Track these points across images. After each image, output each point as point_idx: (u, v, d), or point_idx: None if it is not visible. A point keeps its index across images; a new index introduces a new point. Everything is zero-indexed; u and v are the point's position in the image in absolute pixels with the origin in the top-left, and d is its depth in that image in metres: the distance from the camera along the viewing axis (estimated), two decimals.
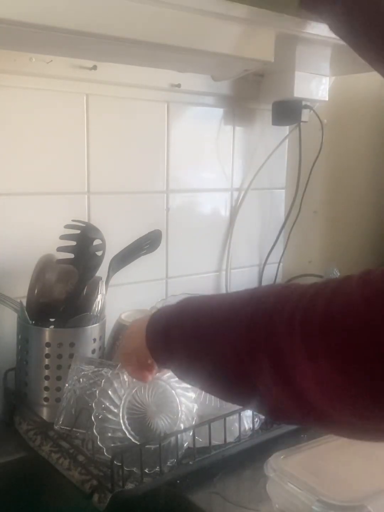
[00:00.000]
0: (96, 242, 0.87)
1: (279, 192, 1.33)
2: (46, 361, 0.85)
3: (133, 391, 0.75)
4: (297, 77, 1.08)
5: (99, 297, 0.89)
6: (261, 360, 0.47)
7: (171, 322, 0.60)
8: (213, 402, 0.82)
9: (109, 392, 0.74)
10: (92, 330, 0.88)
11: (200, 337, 0.55)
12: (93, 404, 0.74)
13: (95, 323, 0.88)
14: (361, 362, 0.39)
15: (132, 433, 0.74)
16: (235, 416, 0.81)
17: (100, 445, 0.73)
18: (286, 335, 0.45)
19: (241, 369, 0.49)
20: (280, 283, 0.52)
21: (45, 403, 0.86)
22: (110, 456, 0.71)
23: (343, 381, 0.41)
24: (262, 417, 0.86)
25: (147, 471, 0.73)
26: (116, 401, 0.74)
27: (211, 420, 0.78)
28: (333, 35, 0.90)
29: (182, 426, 0.78)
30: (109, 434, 0.73)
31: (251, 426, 0.84)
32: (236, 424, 0.82)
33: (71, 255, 0.88)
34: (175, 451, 0.75)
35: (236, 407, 0.82)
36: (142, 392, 0.76)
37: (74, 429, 0.78)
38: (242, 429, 0.82)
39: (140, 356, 0.67)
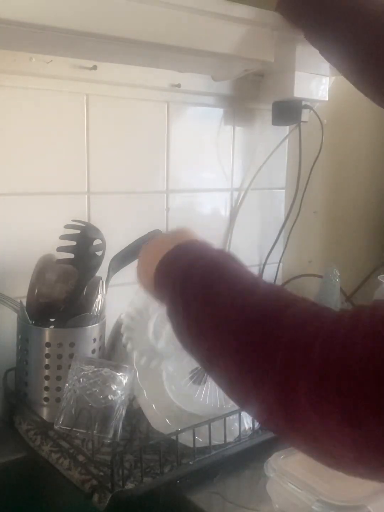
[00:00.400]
0: (96, 242, 0.87)
1: (279, 192, 1.33)
2: (46, 361, 0.85)
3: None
4: (297, 77, 1.08)
5: (99, 297, 0.89)
6: (263, 383, 0.42)
7: (177, 280, 0.55)
8: (213, 402, 0.82)
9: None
10: (92, 330, 0.88)
11: (203, 315, 0.50)
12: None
13: (95, 323, 0.88)
14: None
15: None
16: (235, 416, 0.82)
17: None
18: (297, 374, 0.39)
19: (240, 375, 0.45)
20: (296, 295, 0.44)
21: (45, 403, 0.86)
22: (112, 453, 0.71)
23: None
24: None
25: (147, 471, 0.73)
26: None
27: (211, 420, 0.78)
28: None
29: None
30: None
31: (251, 426, 0.84)
32: (236, 424, 0.82)
33: (71, 255, 0.88)
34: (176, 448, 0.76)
35: (236, 407, 0.82)
36: None
37: (74, 429, 0.78)
38: (242, 429, 0.82)
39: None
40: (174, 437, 0.76)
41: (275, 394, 0.41)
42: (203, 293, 0.52)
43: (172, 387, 0.80)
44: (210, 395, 0.83)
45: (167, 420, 0.78)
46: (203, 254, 0.57)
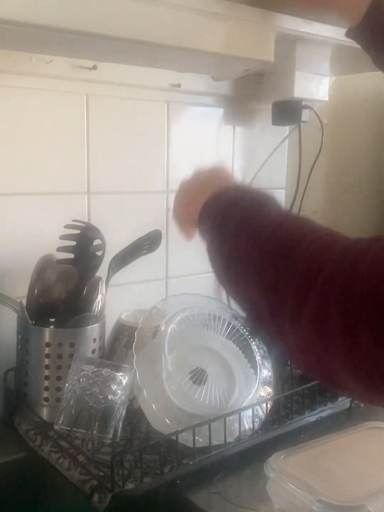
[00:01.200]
0: (96, 242, 0.87)
1: (279, 192, 1.33)
2: (46, 361, 0.85)
3: None
4: (297, 77, 1.08)
5: (99, 297, 0.89)
6: (281, 307, 0.48)
7: (221, 213, 0.60)
8: (213, 402, 0.82)
9: None
10: (92, 330, 0.88)
11: (235, 248, 0.56)
12: None
13: (95, 323, 0.88)
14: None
15: None
16: (235, 416, 0.81)
17: None
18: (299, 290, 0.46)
19: (260, 299, 0.51)
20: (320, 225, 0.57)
21: (45, 403, 0.86)
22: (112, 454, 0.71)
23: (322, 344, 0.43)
24: (262, 417, 0.86)
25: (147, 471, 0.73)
26: None
27: (211, 420, 0.78)
28: (333, 35, 0.90)
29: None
30: None
31: (251, 426, 0.84)
32: (236, 424, 0.82)
33: (71, 255, 0.88)
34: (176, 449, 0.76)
35: (236, 407, 0.82)
36: None
37: (74, 429, 0.78)
38: (242, 429, 0.82)
39: (191, 221, 0.68)
40: (174, 437, 0.76)
41: (290, 318, 0.46)
42: (238, 228, 0.57)
43: (172, 387, 0.80)
44: (210, 395, 0.83)
45: (167, 420, 0.78)
46: (244, 195, 0.62)
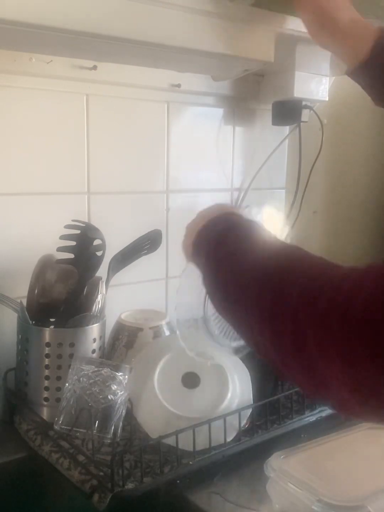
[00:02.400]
0: (96, 242, 0.87)
1: (279, 192, 1.33)
2: (46, 361, 0.85)
3: None
4: (297, 77, 1.08)
5: (99, 297, 0.89)
6: (281, 334, 0.47)
7: (211, 247, 0.61)
8: (207, 403, 0.82)
9: None
10: (92, 330, 0.88)
11: (231, 276, 0.56)
12: None
13: (95, 323, 0.88)
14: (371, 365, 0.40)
15: None
16: (233, 417, 0.81)
17: None
18: (310, 327, 0.45)
19: (261, 328, 0.50)
20: (312, 254, 0.53)
21: (45, 403, 0.86)
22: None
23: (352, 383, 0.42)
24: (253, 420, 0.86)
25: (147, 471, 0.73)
26: None
27: (211, 420, 0.78)
28: None
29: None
30: None
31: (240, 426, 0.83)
32: (235, 422, 0.81)
33: (71, 255, 0.88)
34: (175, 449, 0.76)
35: (231, 408, 0.82)
36: None
37: (74, 429, 0.78)
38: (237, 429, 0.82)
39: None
40: (174, 437, 0.76)
41: (290, 343, 0.46)
42: (231, 258, 0.58)
43: (165, 389, 0.79)
44: (204, 397, 0.82)
45: (158, 424, 0.78)
46: (236, 224, 0.63)
